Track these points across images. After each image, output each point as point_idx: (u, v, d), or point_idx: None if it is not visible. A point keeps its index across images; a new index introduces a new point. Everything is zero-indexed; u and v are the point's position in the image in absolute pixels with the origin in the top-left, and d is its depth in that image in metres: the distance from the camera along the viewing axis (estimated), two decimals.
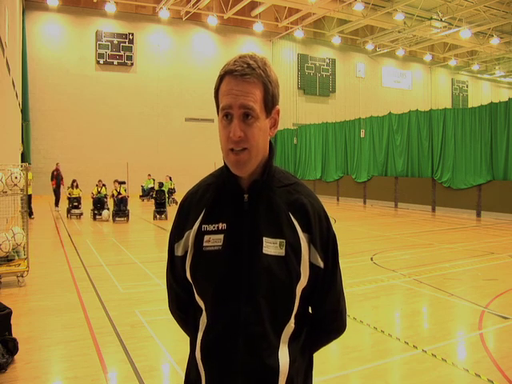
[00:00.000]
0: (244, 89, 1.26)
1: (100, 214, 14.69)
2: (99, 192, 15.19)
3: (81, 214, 15.31)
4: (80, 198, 15.65)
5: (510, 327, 5.08)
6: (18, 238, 6.87)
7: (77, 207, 15.43)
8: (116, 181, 15.10)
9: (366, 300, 6.10)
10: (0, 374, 3.89)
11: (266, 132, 1.33)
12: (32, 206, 14.93)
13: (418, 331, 5.09)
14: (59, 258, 8.96)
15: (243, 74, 1.26)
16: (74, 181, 16.11)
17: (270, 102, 1.32)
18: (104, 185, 15.41)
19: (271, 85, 1.31)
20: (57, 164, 18.05)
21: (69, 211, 15.39)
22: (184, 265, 1.39)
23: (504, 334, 4.95)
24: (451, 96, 39.27)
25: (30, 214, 14.34)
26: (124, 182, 16.53)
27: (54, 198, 17.62)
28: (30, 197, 14.16)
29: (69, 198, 15.61)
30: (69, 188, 16.01)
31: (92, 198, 15.12)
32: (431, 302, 6.16)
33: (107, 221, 14.31)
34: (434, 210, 17.55)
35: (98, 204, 14.88)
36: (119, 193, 14.68)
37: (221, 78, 1.31)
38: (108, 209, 14.90)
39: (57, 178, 17.33)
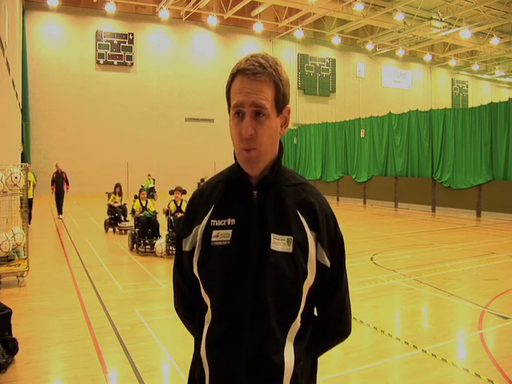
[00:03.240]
0: (255, 87, 1.28)
1: (148, 245, 9.23)
2: (145, 208, 9.97)
3: (132, 227, 10.29)
4: (126, 207, 12.01)
5: (510, 327, 5.08)
6: (18, 237, 6.87)
7: (123, 219, 11.95)
8: (178, 189, 9.49)
9: (366, 300, 6.10)
10: (0, 373, 3.89)
11: (276, 130, 1.35)
12: (32, 211, 13.00)
13: (418, 331, 5.09)
14: (59, 258, 8.96)
15: (255, 72, 1.28)
16: (117, 185, 12.54)
17: (281, 101, 1.34)
18: (148, 198, 10.38)
19: (282, 84, 1.33)
20: (56, 165, 15.25)
21: (110, 224, 11.91)
22: (191, 260, 1.40)
23: (504, 333, 4.95)
24: (451, 96, 39.27)
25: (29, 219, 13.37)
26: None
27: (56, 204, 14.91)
28: (30, 201, 12.63)
29: (112, 208, 12.17)
30: (111, 195, 12.54)
31: (136, 217, 9.86)
32: (431, 302, 6.16)
33: (161, 256, 8.89)
34: (434, 210, 17.55)
35: (149, 229, 9.51)
36: (179, 208, 9.34)
37: (233, 77, 1.32)
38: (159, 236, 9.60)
39: (57, 181, 14.76)
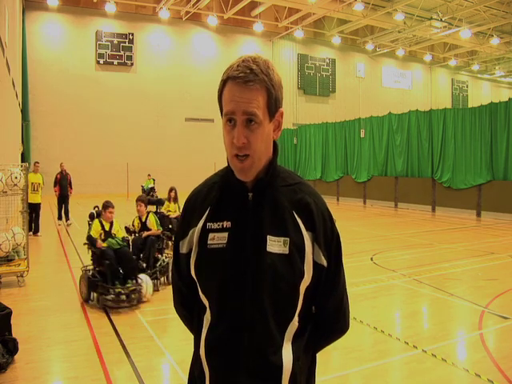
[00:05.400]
0: (247, 95, 1.27)
1: (123, 295, 5.67)
2: (109, 233, 6.35)
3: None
4: None
5: (510, 327, 5.08)
6: (18, 237, 6.87)
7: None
8: (140, 200, 7.25)
9: (366, 300, 6.10)
10: (0, 373, 3.89)
11: (269, 136, 1.34)
12: (40, 220, 11.91)
13: (418, 331, 5.09)
14: (59, 258, 8.96)
15: (246, 80, 1.27)
16: (171, 189, 9.78)
17: (274, 105, 1.33)
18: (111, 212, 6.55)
19: (274, 88, 1.32)
20: (61, 165, 13.80)
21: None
22: (188, 262, 1.41)
23: (504, 334, 4.95)
24: (451, 96, 39.26)
25: (36, 230, 11.64)
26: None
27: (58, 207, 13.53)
28: (38, 206, 11.55)
29: (165, 218, 8.99)
30: (165, 201, 9.68)
31: (96, 247, 6.10)
32: (431, 302, 6.17)
33: (144, 300, 5.94)
34: (434, 210, 17.54)
35: (119, 267, 6.00)
36: (145, 225, 7.14)
37: (224, 83, 1.32)
38: (144, 268, 6.46)
39: (60, 182, 13.24)
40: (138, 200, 7.16)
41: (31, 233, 11.31)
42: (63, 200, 13.35)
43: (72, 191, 13.72)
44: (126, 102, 26.18)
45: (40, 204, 11.82)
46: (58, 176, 13.50)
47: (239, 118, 1.28)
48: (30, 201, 11.17)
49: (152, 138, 26.83)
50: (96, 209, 6.78)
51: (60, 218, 13.44)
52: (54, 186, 13.49)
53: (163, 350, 4.45)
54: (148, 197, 7.57)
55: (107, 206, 6.39)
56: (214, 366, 1.33)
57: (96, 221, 6.40)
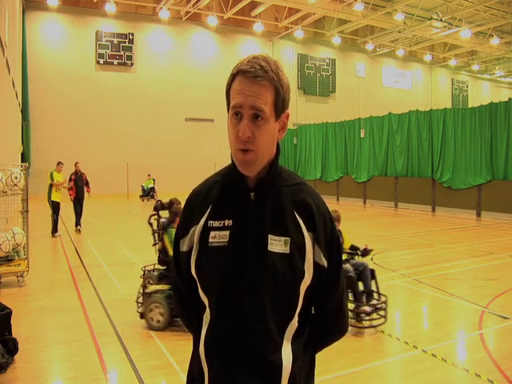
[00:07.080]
0: (256, 90, 1.28)
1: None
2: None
3: None
4: None
5: (510, 327, 5.08)
6: (18, 238, 6.87)
7: None
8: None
9: None
10: (0, 373, 3.89)
11: (274, 134, 1.35)
12: (59, 225, 11.77)
13: (417, 331, 5.09)
14: (59, 258, 8.96)
15: (256, 75, 1.28)
16: None
17: (280, 105, 1.34)
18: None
19: (282, 89, 1.34)
20: (75, 164, 12.83)
21: None
22: (189, 260, 1.40)
23: (504, 334, 4.95)
24: (451, 96, 39.25)
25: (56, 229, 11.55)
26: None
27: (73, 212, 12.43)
28: (57, 206, 11.41)
29: None
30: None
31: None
32: (431, 302, 6.16)
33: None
34: (434, 210, 17.54)
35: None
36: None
37: (233, 77, 1.33)
38: None
39: (76, 183, 12.18)
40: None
41: (57, 234, 11.49)
42: (80, 202, 12.22)
43: (90, 190, 12.59)
44: (126, 102, 26.16)
45: (59, 203, 11.49)
46: (73, 177, 12.29)
47: (246, 112, 1.28)
48: (53, 199, 11.32)
49: (152, 137, 26.82)
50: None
51: (78, 223, 12.32)
52: (70, 187, 12.43)
53: (163, 349, 4.44)
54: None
55: (172, 204, 5.12)
56: (213, 366, 1.33)
57: (172, 231, 5.04)
